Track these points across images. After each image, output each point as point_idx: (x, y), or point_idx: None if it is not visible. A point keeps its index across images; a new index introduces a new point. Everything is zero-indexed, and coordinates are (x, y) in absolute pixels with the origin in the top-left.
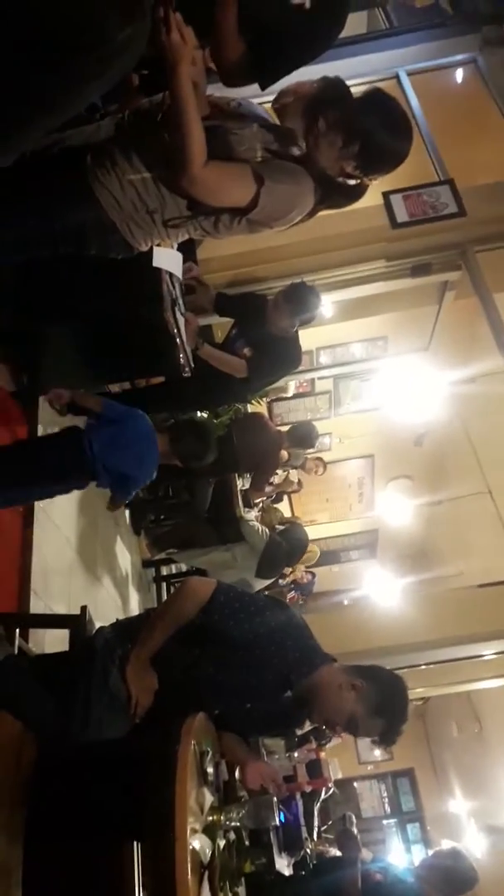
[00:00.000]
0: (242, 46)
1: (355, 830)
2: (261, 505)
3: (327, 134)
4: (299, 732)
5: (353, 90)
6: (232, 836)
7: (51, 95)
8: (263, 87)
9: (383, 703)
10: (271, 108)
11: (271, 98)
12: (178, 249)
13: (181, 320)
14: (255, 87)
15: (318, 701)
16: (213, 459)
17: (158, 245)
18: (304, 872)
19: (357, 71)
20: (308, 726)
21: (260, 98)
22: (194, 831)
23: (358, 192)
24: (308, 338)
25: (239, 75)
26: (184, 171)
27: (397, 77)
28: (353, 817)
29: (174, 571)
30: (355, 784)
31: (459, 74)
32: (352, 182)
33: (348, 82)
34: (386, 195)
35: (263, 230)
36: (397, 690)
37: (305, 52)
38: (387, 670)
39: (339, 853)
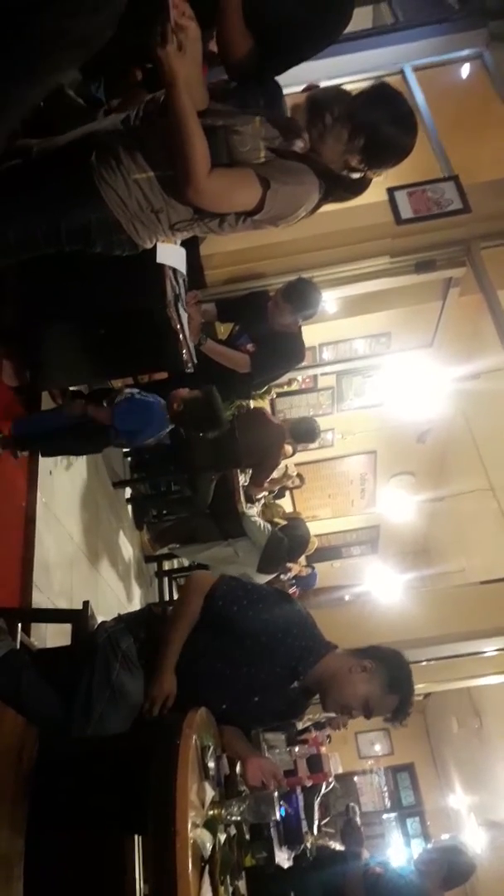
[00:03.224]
0: (250, 42)
1: (359, 821)
2: (262, 500)
3: (333, 128)
4: (300, 726)
5: (358, 85)
6: (233, 830)
7: (23, 61)
8: (268, 79)
9: (393, 679)
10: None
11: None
12: (181, 245)
13: (184, 316)
14: None
15: (332, 688)
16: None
17: (162, 241)
18: (304, 864)
19: (362, 66)
20: (307, 721)
21: None
22: (195, 825)
23: (361, 185)
24: (311, 334)
25: (246, 70)
26: (189, 183)
27: (402, 73)
28: (357, 808)
29: (176, 566)
30: (356, 778)
31: (465, 70)
32: (355, 175)
33: (353, 77)
34: (390, 191)
35: (269, 228)
36: (401, 663)
37: (311, 44)
38: (385, 647)
39: (340, 846)
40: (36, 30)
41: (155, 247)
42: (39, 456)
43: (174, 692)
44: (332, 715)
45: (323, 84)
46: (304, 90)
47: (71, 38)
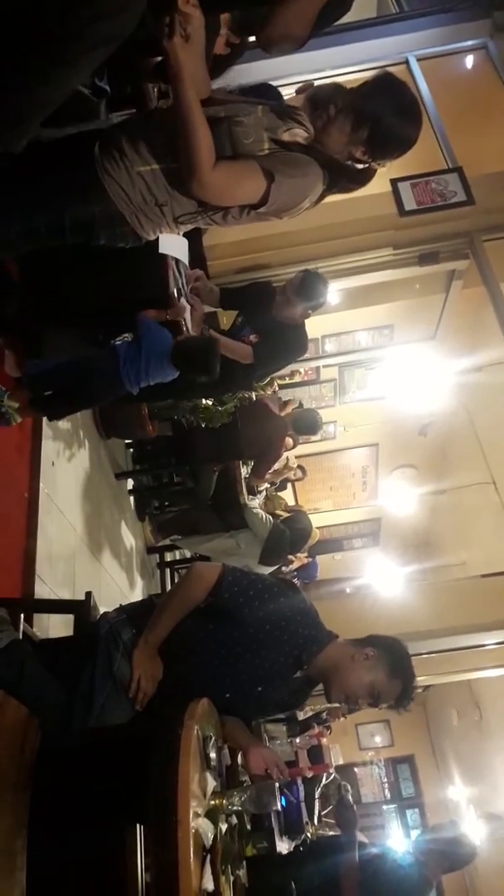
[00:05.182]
0: None
1: (351, 799)
2: (265, 492)
3: (337, 118)
4: (301, 717)
5: (362, 75)
6: (234, 820)
7: (49, 64)
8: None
9: (395, 664)
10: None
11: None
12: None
13: (187, 307)
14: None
15: (337, 677)
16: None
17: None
18: (302, 851)
19: (366, 56)
20: (308, 712)
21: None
22: (196, 815)
23: (365, 176)
24: (314, 326)
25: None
26: (193, 176)
27: (407, 62)
28: (349, 787)
29: (178, 558)
30: (356, 769)
31: (469, 60)
32: (359, 166)
33: (357, 67)
34: (394, 182)
35: (272, 220)
36: (400, 649)
37: (335, 10)
38: (383, 635)
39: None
40: (63, 33)
41: (157, 237)
42: (44, 423)
43: (157, 674)
44: (333, 705)
45: (326, 74)
46: (298, 91)
47: (97, 40)
